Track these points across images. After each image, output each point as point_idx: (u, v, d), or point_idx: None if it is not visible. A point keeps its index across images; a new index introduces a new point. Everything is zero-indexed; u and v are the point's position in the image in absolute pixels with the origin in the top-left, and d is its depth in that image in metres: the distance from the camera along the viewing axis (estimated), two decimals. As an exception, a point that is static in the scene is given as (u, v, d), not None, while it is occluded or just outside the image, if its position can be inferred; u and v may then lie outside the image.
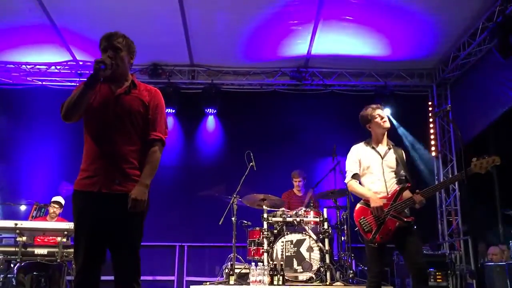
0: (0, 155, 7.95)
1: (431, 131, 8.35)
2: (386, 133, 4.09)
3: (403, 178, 3.95)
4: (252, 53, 7.87)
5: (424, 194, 3.77)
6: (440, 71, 8.14)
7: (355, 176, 4.03)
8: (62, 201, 6.35)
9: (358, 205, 3.99)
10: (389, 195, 3.85)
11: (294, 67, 8.19)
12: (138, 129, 2.85)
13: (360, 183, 4.03)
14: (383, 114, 4.07)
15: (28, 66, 8.10)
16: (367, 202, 3.89)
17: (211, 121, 8.53)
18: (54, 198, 6.37)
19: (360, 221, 3.89)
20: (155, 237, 7.08)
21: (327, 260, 5.36)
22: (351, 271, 5.65)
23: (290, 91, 8.47)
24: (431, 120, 8.37)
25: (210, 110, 8.40)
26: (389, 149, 4.04)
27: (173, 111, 8.27)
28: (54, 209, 6.21)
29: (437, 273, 6.33)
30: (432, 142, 8.30)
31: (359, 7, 6.53)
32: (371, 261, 3.86)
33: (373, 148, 4.05)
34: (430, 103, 8.37)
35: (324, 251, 5.41)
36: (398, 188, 3.85)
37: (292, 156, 7.94)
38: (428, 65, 8.19)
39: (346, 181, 4.11)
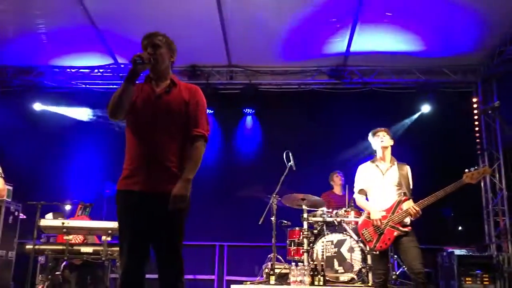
0: (47, 157, 8.23)
1: (476, 128, 8.06)
2: (389, 151, 4.53)
3: (405, 192, 4.36)
4: (290, 53, 7.84)
5: (419, 206, 4.20)
6: (485, 67, 7.86)
7: (361, 192, 4.59)
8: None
9: (362, 218, 4.60)
10: (388, 208, 4.34)
11: (332, 65, 8.09)
12: (179, 128, 2.87)
13: (367, 197, 4.57)
14: (383, 138, 4.49)
15: (73, 70, 8.36)
16: (369, 215, 4.44)
17: (249, 121, 8.56)
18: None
19: (363, 232, 4.46)
20: (195, 237, 7.16)
21: (369, 261, 5.27)
22: (394, 273, 5.55)
23: (328, 90, 8.37)
24: (476, 117, 8.09)
25: (248, 110, 8.43)
26: (392, 166, 4.48)
27: (212, 111, 8.34)
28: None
29: (483, 276, 6.13)
30: (477, 140, 8.01)
31: (399, 2, 6.40)
32: (375, 265, 4.58)
33: (377, 165, 4.52)
34: (475, 99, 8.07)
35: (366, 251, 5.33)
36: (396, 202, 4.31)
37: (331, 155, 7.86)
38: (472, 60, 7.91)
39: (354, 196, 4.71)
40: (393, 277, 5.48)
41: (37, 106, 8.23)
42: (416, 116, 8.27)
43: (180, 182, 2.75)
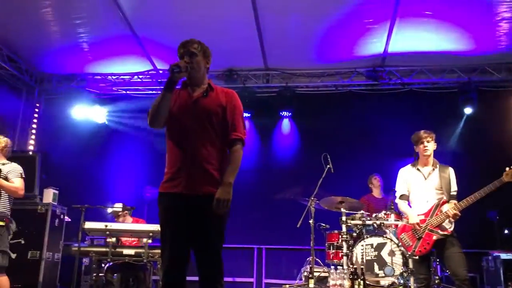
0: (90, 162, 8.48)
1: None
2: (432, 154, 4.47)
3: (454, 194, 4.32)
4: (326, 54, 7.79)
5: (458, 207, 4.13)
6: (531, 64, 7.56)
7: (403, 197, 4.56)
8: (118, 208, 6.55)
9: (401, 222, 4.65)
10: (426, 212, 4.32)
11: (370, 66, 7.99)
12: (217, 131, 2.91)
13: (409, 201, 4.53)
14: (428, 145, 4.43)
15: (114, 77, 8.59)
16: (407, 220, 4.45)
17: (286, 124, 8.54)
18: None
19: (402, 236, 4.52)
20: (234, 240, 7.19)
21: (410, 265, 5.15)
22: (437, 277, 5.40)
23: (366, 91, 8.27)
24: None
25: (285, 113, 8.41)
26: (434, 169, 4.43)
27: (249, 115, 8.38)
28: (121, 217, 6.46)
29: None
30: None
31: (439, 1, 6.25)
32: (416, 269, 4.48)
33: (418, 169, 4.49)
34: (519, 98, 7.80)
35: (407, 255, 5.21)
36: (434, 205, 4.29)
37: (369, 158, 7.74)
38: (517, 58, 7.64)
39: (396, 201, 4.68)
40: (436, 281, 5.34)
41: (80, 113, 8.50)
42: (463, 120, 7.98)
43: (222, 187, 2.80)
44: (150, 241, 5.30)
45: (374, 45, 7.39)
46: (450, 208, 4.18)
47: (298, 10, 6.62)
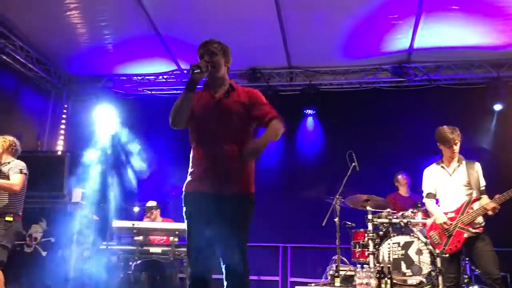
0: (116, 161, 8.60)
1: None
2: (457, 151, 4.42)
3: (483, 189, 4.28)
4: (350, 51, 7.71)
5: (497, 201, 4.08)
6: None
7: (429, 195, 4.54)
8: (152, 204, 6.63)
9: (430, 220, 4.59)
10: (457, 209, 4.27)
11: (395, 63, 7.87)
12: (239, 130, 2.94)
13: (437, 199, 4.51)
14: (455, 148, 4.38)
15: (139, 77, 8.70)
16: None
17: (310, 122, 8.50)
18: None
19: (431, 234, 4.47)
20: (259, 238, 7.20)
21: (438, 264, 5.07)
22: (466, 276, 5.29)
23: (391, 88, 8.15)
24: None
25: (309, 111, 8.35)
26: (459, 165, 4.39)
27: (272, 113, 8.37)
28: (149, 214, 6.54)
29: None
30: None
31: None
32: (446, 268, 4.44)
33: (442, 167, 4.46)
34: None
35: (435, 254, 5.13)
36: (465, 202, 4.23)
37: (395, 155, 7.64)
38: (549, 51, 7.41)
39: (423, 200, 4.66)
40: (465, 281, 5.23)
41: (106, 113, 8.64)
42: (495, 118, 7.77)
43: (254, 141, 2.83)
44: (176, 239, 5.36)
45: (399, 41, 7.29)
46: (488, 202, 4.10)
47: (322, 7, 6.57)
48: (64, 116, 8.90)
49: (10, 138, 5.09)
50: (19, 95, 7.68)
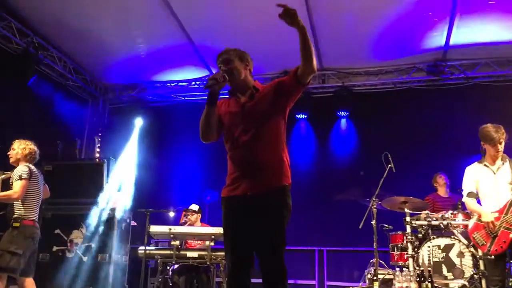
0: (152, 167, 8.75)
1: None
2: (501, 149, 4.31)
3: None
4: (383, 51, 7.60)
5: None
6: None
7: (471, 194, 4.41)
8: (195, 208, 6.69)
9: (472, 221, 4.46)
10: (501, 209, 4.15)
11: (430, 61, 7.71)
12: (269, 130, 2.92)
13: (479, 199, 4.38)
14: (500, 147, 4.28)
15: (172, 84, 8.83)
16: (480, 218, 4.27)
17: (344, 124, 8.42)
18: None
19: (474, 235, 4.33)
20: (295, 241, 7.18)
21: (481, 267, 4.91)
22: (511, 279, 5.11)
23: (427, 87, 7.99)
24: None
25: (342, 113, 8.29)
26: (503, 163, 4.29)
27: (305, 116, 8.36)
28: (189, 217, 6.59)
29: None
30: None
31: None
32: (490, 271, 4.32)
33: (485, 165, 4.36)
34: None
35: (477, 256, 4.98)
36: (509, 201, 4.10)
37: (433, 156, 7.48)
38: None
39: (463, 200, 4.53)
40: (510, 284, 5.05)
41: (141, 120, 8.81)
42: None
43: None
44: (212, 243, 5.39)
45: (434, 38, 7.14)
46: None
47: (353, 8, 6.51)
48: (101, 123, 9.12)
49: (31, 146, 5.01)
50: (58, 105, 7.90)
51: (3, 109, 6.45)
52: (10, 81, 6.80)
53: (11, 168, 4.92)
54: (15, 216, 4.70)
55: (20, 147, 4.92)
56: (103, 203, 6.63)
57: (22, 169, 4.79)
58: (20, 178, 4.71)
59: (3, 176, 4.82)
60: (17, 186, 4.69)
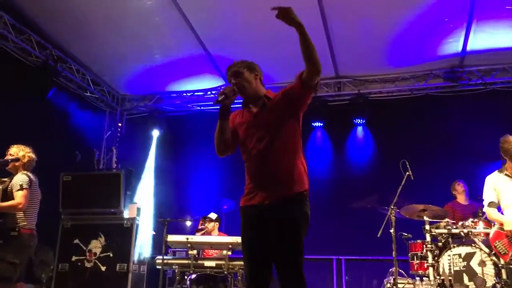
0: (169, 177, 8.80)
1: None
2: None
3: None
4: (399, 58, 7.57)
5: None
6: None
7: (491, 204, 4.42)
8: (213, 216, 6.69)
9: (494, 230, 4.46)
10: None
11: (447, 67, 7.64)
12: (284, 138, 2.91)
13: (500, 207, 4.39)
14: None
15: (188, 94, 8.89)
16: (501, 227, 4.29)
17: (360, 132, 8.38)
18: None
19: (496, 244, 4.35)
20: (312, 250, 7.09)
21: (504, 276, 4.81)
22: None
23: (444, 93, 7.91)
24: None
25: (358, 121, 8.25)
26: None
27: (321, 124, 8.33)
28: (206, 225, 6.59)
29: None
30: None
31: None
32: None
33: (506, 175, 4.37)
34: None
35: (499, 265, 4.88)
36: None
37: (451, 163, 7.39)
38: None
39: (484, 210, 4.56)
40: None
41: (157, 129, 8.89)
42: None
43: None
44: (230, 253, 5.39)
45: (450, 44, 7.08)
46: None
47: (369, 15, 6.50)
48: (118, 134, 9.22)
49: (30, 154, 4.90)
50: (76, 115, 8.02)
51: (22, 120, 6.57)
52: (29, 93, 6.94)
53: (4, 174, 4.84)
54: (13, 225, 4.61)
55: (19, 155, 4.82)
56: (121, 213, 6.67)
57: (22, 178, 4.71)
58: (22, 188, 4.64)
59: (2, 185, 4.71)
60: (20, 197, 4.61)
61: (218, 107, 2.93)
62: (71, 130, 7.84)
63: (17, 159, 4.80)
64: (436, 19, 6.51)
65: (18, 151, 4.85)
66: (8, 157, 4.83)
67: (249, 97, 3.04)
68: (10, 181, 4.72)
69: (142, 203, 7.24)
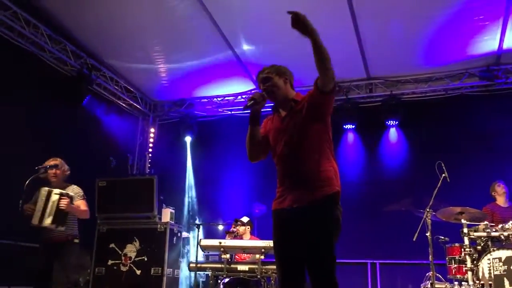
0: (202, 181, 8.87)
1: None
2: None
3: None
4: (433, 58, 7.41)
5: None
6: None
7: None
8: (245, 220, 6.68)
9: None
10: None
11: (483, 66, 7.43)
12: (311, 141, 2.88)
13: None
14: None
15: (219, 99, 8.96)
16: None
17: (393, 133, 8.23)
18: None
19: None
20: (346, 254, 7.04)
21: (548, 281, 4.64)
22: None
23: (480, 92, 7.70)
24: None
25: (391, 122, 8.11)
26: None
27: (353, 126, 8.24)
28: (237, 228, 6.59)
29: None
30: None
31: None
32: None
33: None
34: None
35: (543, 270, 4.71)
36: None
37: (489, 164, 7.18)
38: None
39: None
40: None
41: (189, 135, 8.99)
42: None
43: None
44: (262, 257, 5.37)
45: (486, 43, 6.89)
46: None
47: (400, 14, 6.39)
48: (151, 139, 9.37)
49: (67, 166, 5.14)
50: (110, 122, 8.20)
51: (59, 127, 6.76)
52: (66, 101, 7.13)
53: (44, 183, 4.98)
54: (73, 232, 4.94)
55: (62, 169, 5.06)
56: (155, 217, 6.76)
57: (79, 189, 5.06)
58: (84, 198, 5.03)
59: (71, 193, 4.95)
60: (86, 205, 5.00)
61: (248, 111, 2.95)
62: (105, 137, 8.02)
63: (57, 166, 5.01)
64: (471, 17, 6.34)
65: (61, 165, 5.07)
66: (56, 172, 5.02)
67: (278, 101, 3.05)
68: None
69: (176, 207, 7.30)
